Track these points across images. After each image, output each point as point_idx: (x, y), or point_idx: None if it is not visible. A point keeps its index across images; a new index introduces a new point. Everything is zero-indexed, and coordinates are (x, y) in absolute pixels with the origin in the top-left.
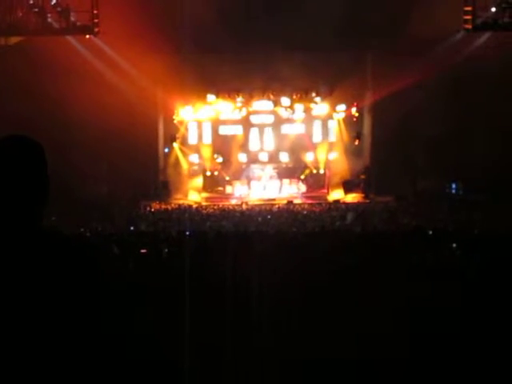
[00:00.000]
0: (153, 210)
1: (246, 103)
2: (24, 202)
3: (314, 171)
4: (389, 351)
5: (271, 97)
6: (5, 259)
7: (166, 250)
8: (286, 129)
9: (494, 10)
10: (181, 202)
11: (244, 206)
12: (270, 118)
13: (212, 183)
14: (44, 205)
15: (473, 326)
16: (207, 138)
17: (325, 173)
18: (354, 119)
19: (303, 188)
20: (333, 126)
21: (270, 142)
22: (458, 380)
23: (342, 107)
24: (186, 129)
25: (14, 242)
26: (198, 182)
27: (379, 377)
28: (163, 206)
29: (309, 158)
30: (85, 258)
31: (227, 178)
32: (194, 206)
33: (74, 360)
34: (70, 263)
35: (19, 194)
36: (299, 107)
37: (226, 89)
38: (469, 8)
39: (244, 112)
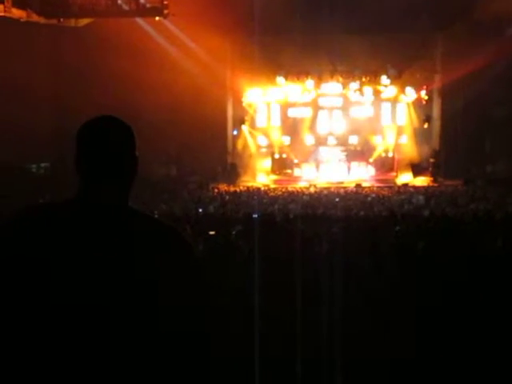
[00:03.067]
0: (221, 192)
1: (315, 86)
2: (119, 180)
3: (383, 154)
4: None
5: (340, 79)
6: (102, 238)
7: (234, 232)
8: (354, 111)
9: None
10: (249, 184)
11: (312, 189)
12: (339, 101)
13: (280, 166)
14: (132, 183)
15: None
16: (276, 121)
17: (393, 156)
18: (424, 102)
19: (372, 171)
20: (402, 108)
21: (338, 125)
22: None
23: (411, 90)
24: (255, 111)
25: (111, 220)
26: (267, 164)
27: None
28: (231, 188)
29: (377, 141)
30: (180, 238)
31: (296, 161)
32: (263, 188)
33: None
34: (166, 242)
35: (114, 170)
36: (368, 90)
37: (294, 71)
38: None
39: (313, 94)
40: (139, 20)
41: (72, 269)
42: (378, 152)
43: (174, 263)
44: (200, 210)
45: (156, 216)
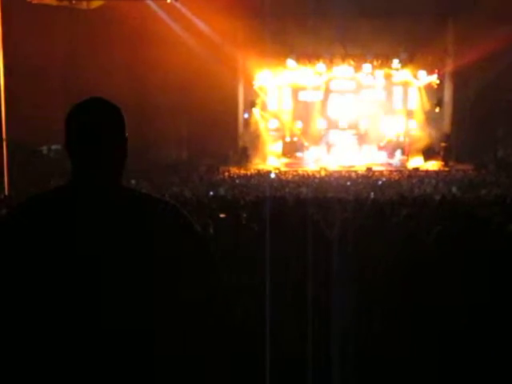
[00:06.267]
0: (232, 175)
1: (327, 69)
2: (106, 161)
3: (394, 138)
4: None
5: (352, 63)
6: (99, 221)
7: (245, 215)
8: (366, 95)
9: None
10: (260, 167)
11: (323, 173)
12: (351, 84)
13: (291, 149)
14: (123, 165)
15: None
16: (287, 104)
17: (404, 140)
18: (435, 86)
19: (383, 155)
20: (413, 92)
21: (349, 109)
22: None
23: (422, 74)
24: (266, 94)
25: (106, 201)
26: (278, 147)
27: None
28: (242, 172)
29: (389, 124)
30: (180, 215)
31: (306, 144)
32: (273, 171)
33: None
34: (166, 219)
35: (103, 152)
36: (380, 73)
37: (306, 54)
38: None
39: (324, 78)
40: (150, 2)
41: (70, 255)
42: (389, 136)
43: (175, 240)
44: (211, 193)
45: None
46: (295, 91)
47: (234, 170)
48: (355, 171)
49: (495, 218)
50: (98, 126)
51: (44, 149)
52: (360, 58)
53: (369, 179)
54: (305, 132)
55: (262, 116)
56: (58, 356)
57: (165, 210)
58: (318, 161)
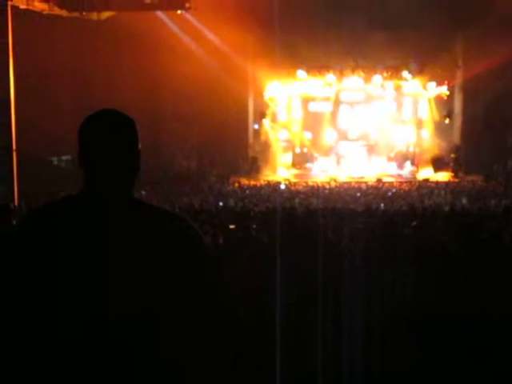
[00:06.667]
0: (242, 185)
1: (337, 80)
2: (119, 172)
3: (404, 149)
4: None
5: (361, 74)
6: (108, 232)
7: (255, 226)
8: (375, 106)
9: None
10: (270, 178)
11: (333, 184)
12: (360, 95)
13: (301, 160)
14: (135, 177)
15: None
16: (297, 115)
17: (414, 151)
18: (445, 97)
19: (392, 166)
20: (423, 103)
21: (359, 120)
22: None
23: (432, 85)
24: (276, 105)
25: (116, 213)
26: (287, 158)
27: None
28: (252, 182)
29: (398, 135)
30: (189, 229)
31: (316, 155)
32: (283, 182)
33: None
34: (174, 232)
35: (116, 164)
36: (389, 85)
37: (316, 65)
38: None
39: (334, 89)
40: (161, 14)
41: (80, 265)
42: (399, 147)
43: (182, 254)
44: (220, 204)
45: (171, 208)
46: (305, 102)
47: (243, 181)
48: (365, 182)
49: (508, 229)
50: (110, 138)
51: (54, 159)
52: (370, 70)
53: (379, 190)
54: (315, 143)
55: (272, 127)
56: (62, 361)
57: (174, 224)
58: (327, 172)
